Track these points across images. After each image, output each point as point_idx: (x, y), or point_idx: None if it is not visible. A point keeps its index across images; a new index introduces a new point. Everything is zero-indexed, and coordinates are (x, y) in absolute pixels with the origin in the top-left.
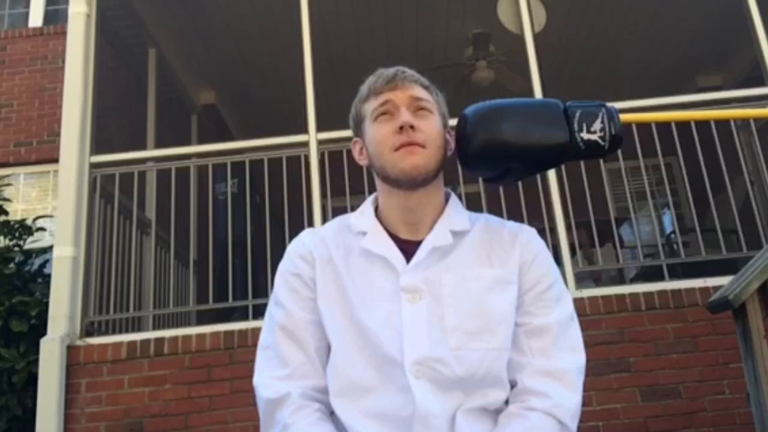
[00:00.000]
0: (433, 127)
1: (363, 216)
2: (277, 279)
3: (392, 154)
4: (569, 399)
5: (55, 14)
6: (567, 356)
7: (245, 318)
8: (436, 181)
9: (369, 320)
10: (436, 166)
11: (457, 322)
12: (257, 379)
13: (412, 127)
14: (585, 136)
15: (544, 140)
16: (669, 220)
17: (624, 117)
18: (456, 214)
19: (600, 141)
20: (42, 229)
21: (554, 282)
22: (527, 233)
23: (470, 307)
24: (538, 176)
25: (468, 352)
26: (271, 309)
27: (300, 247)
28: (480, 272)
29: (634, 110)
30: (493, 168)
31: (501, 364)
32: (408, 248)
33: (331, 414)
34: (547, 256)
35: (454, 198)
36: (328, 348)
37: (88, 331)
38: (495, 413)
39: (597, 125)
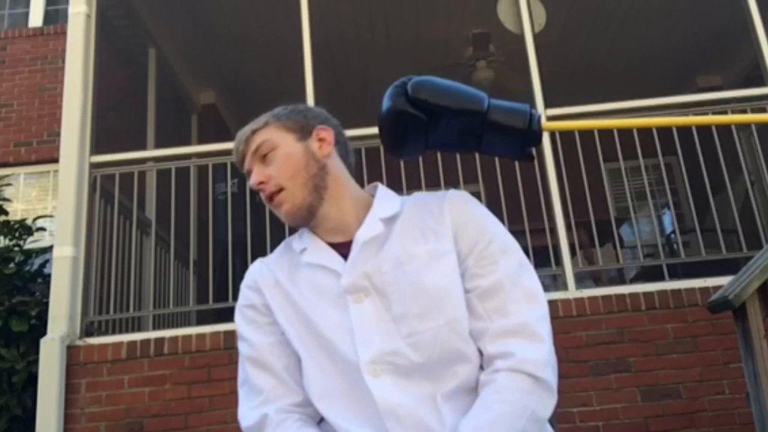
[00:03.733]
0: (282, 163)
1: (302, 235)
2: (235, 317)
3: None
4: (534, 350)
5: (55, 14)
6: (524, 308)
7: None
8: (330, 192)
9: (324, 328)
10: (307, 194)
11: (403, 308)
12: (239, 415)
13: (261, 184)
14: (495, 116)
15: (459, 103)
16: (669, 220)
17: (548, 125)
18: (385, 202)
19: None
20: (42, 229)
21: (493, 236)
22: (454, 197)
23: (411, 290)
24: (539, 176)
25: (420, 336)
26: (238, 346)
27: (247, 280)
28: (413, 251)
29: (634, 110)
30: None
31: (456, 337)
32: (347, 251)
33: (321, 421)
34: (481, 213)
35: (381, 188)
36: (299, 361)
37: (88, 331)
38: (476, 390)
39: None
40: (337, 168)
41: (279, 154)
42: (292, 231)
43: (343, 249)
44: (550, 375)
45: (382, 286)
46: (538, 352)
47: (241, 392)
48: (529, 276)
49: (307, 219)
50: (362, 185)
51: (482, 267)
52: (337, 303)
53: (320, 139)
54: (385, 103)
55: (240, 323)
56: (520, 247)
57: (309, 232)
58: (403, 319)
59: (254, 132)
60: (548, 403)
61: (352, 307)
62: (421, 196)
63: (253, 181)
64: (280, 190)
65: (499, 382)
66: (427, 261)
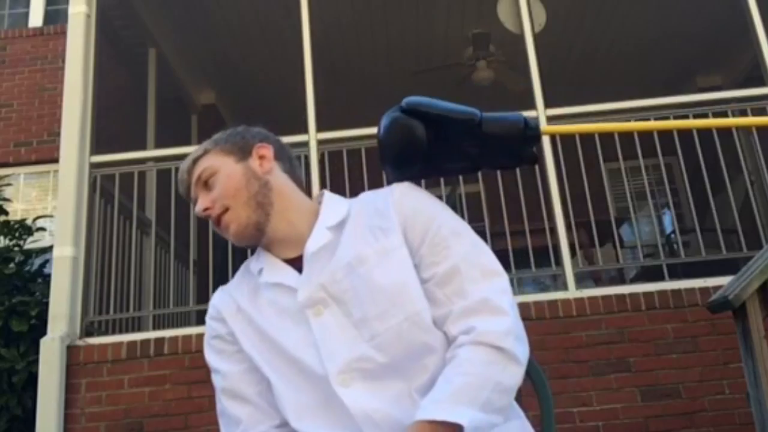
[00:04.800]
0: (224, 185)
1: (259, 256)
2: (204, 350)
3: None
4: (496, 322)
5: (55, 14)
6: (483, 285)
7: None
8: (276, 207)
9: (290, 347)
10: (251, 212)
11: (362, 312)
12: None
13: (206, 210)
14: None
15: (453, 113)
16: (669, 220)
17: (547, 129)
18: (331, 209)
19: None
20: (42, 229)
21: (442, 221)
22: (398, 191)
23: (366, 293)
24: (539, 176)
25: (383, 336)
26: (212, 379)
27: (210, 311)
28: (363, 254)
29: (634, 110)
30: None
31: (419, 331)
32: (301, 265)
33: None
34: (426, 202)
35: (327, 195)
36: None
37: (88, 331)
38: None
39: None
40: (281, 183)
41: (220, 177)
42: None
43: (298, 263)
44: (513, 344)
45: (339, 294)
46: (501, 324)
47: (221, 423)
48: (484, 253)
49: (257, 237)
50: (361, 182)
51: (436, 254)
52: (299, 319)
53: (260, 157)
54: (383, 120)
55: (209, 355)
56: (470, 228)
57: (264, 251)
58: (364, 323)
59: (195, 161)
60: (514, 373)
61: (312, 321)
62: (368, 196)
63: (198, 208)
64: (225, 210)
65: (461, 356)
66: (378, 260)
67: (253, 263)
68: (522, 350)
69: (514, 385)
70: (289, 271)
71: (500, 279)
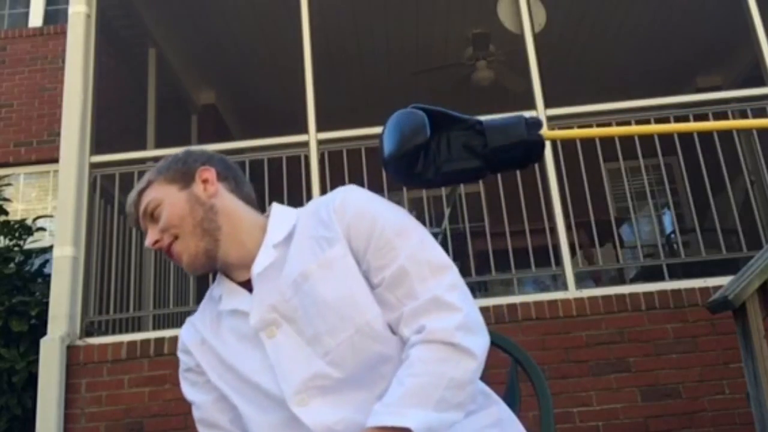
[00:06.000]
0: (168, 215)
1: (219, 281)
2: (180, 383)
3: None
4: (445, 319)
5: (55, 14)
6: (431, 283)
7: None
8: (224, 231)
9: (250, 373)
10: (199, 240)
11: (313, 329)
12: None
13: (156, 243)
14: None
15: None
16: (669, 220)
17: (549, 134)
18: (277, 225)
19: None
20: (42, 229)
21: (384, 222)
22: (338, 196)
23: (315, 309)
24: (539, 176)
25: (336, 352)
26: (192, 411)
27: (179, 344)
28: (306, 269)
29: (634, 110)
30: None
31: (371, 341)
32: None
33: None
34: (368, 203)
35: (275, 210)
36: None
37: (88, 331)
38: None
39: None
40: (228, 204)
41: (164, 208)
42: None
43: (250, 286)
44: (465, 338)
45: (289, 313)
46: (449, 320)
47: None
48: (431, 249)
49: (210, 265)
50: (361, 182)
51: (382, 257)
52: (257, 343)
53: (204, 181)
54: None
55: (184, 388)
56: (415, 221)
57: (222, 276)
58: (317, 340)
59: (140, 194)
60: (468, 367)
61: (266, 343)
62: (314, 204)
63: (147, 242)
64: (175, 238)
65: (412, 356)
66: (322, 274)
67: (215, 289)
68: (476, 342)
69: (470, 379)
70: (245, 294)
71: (449, 273)
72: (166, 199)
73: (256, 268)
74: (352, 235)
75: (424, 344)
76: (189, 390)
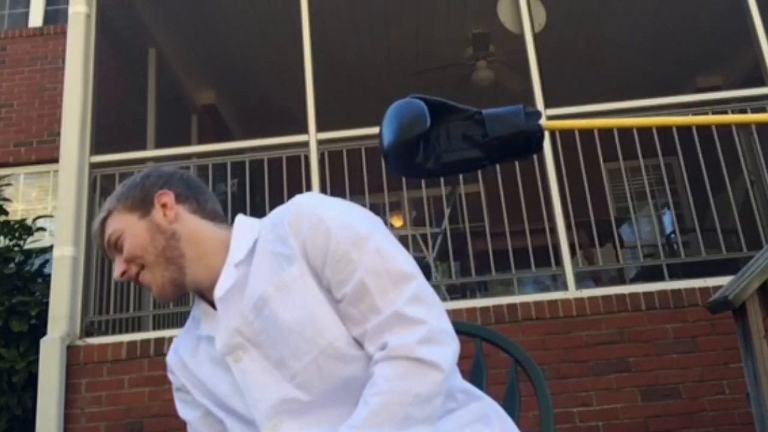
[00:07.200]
0: (130, 247)
1: (197, 303)
2: (174, 401)
3: None
4: (407, 335)
5: (55, 14)
6: (392, 296)
7: None
8: (188, 256)
9: (224, 397)
10: (164, 270)
11: (278, 353)
12: None
13: (123, 274)
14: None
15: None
16: (669, 220)
17: (548, 124)
18: (238, 242)
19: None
20: (42, 229)
21: (339, 233)
22: (291, 209)
23: (277, 334)
24: (539, 176)
25: (302, 375)
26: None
27: (167, 365)
28: (264, 293)
29: (634, 110)
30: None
31: (336, 362)
32: None
33: None
34: (321, 213)
35: (237, 225)
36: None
37: (88, 331)
38: None
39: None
40: (191, 227)
41: (126, 239)
42: None
43: None
44: (428, 351)
45: (254, 337)
46: (411, 335)
47: None
48: (390, 258)
49: (178, 293)
50: (361, 182)
51: (340, 272)
52: (227, 367)
53: (163, 206)
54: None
55: (177, 406)
56: (372, 223)
57: (198, 297)
58: (282, 363)
59: (102, 223)
60: (434, 380)
61: (233, 368)
62: (274, 216)
63: (115, 274)
64: (141, 268)
65: (376, 374)
66: (280, 297)
67: (195, 310)
68: (440, 353)
69: (436, 391)
70: (216, 317)
71: (410, 283)
72: (127, 229)
73: (218, 292)
74: (309, 250)
75: (386, 361)
76: (181, 408)
